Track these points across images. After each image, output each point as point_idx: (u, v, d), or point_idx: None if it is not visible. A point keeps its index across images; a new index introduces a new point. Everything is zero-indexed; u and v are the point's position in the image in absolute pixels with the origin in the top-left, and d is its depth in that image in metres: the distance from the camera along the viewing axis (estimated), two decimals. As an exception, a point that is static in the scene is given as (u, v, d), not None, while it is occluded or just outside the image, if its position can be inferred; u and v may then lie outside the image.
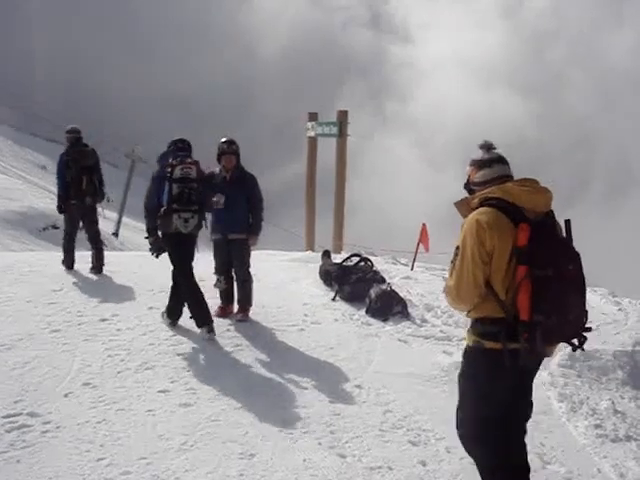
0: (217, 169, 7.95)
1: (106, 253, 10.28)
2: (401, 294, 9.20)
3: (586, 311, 3.89)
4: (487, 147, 4.11)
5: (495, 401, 3.98)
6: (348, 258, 10.62)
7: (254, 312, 8.20)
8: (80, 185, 9.81)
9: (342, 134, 14.91)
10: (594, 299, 11.06)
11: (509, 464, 4.07)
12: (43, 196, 35.13)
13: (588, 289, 11.58)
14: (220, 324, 7.76)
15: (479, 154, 4.11)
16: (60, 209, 10.11)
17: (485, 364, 3.91)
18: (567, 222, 3.94)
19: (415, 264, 12.27)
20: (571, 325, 3.81)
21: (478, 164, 4.06)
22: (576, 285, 3.79)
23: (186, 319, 7.69)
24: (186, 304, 7.56)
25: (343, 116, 15.13)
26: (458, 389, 4.21)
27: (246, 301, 8.12)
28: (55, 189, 10.25)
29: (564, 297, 3.70)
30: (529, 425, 5.82)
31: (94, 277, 9.59)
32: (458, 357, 7.28)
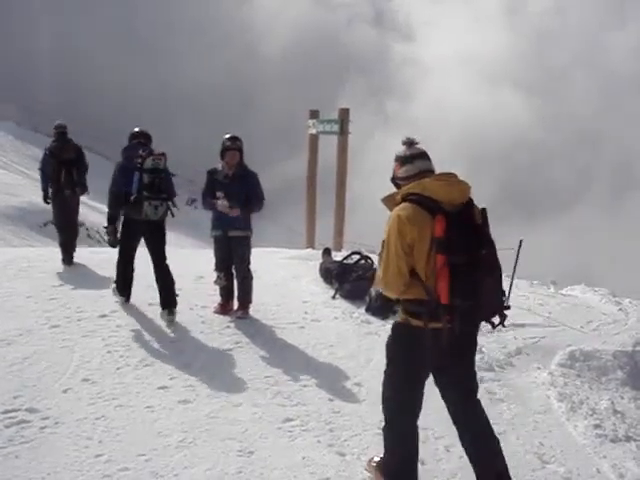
0: (220, 165, 7.93)
1: (104, 249, 10.29)
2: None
3: (503, 291, 4.27)
4: (409, 143, 4.39)
5: (413, 371, 4.40)
6: (349, 256, 10.61)
7: (254, 309, 8.19)
8: (59, 178, 10.32)
9: (343, 132, 14.89)
10: (594, 299, 11.05)
11: (412, 423, 4.50)
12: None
13: (588, 289, 11.54)
14: (220, 321, 7.77)
15: (402, 150, 4.38)
16: (45, 200, 10.72)
17: (410, 339, 4.30)
18: (483, 210, 4.27)
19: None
20: (487, 306, 4.19)
21: (401, 160, 4.36)
22: (490, 269, 4.15)
23: (188, 318, 7.70)
24: (157, 285, 7.94)
25: (344, 114, 15.11)
26: (385, 356, 4.55)
27: (246, 298, 8.11)
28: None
29: (479, 281, 4.06)
30: (528, 425, 5.82)
31: (94, 273, 9.59)
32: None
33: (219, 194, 7.73)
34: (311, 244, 15.86)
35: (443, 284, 3.97)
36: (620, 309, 9.95)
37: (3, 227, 19.68)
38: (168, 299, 7.83)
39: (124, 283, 8.17)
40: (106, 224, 8.04)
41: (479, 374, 6.97)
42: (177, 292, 7.91)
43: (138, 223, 7.78)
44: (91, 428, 5.17)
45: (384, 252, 4.19)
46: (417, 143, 4.40)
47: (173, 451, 4.94)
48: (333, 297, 9.28)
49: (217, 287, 8.14)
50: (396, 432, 4.46)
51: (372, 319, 8.56)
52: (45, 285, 8.79)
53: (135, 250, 8.08)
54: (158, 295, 7.88)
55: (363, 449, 5.22)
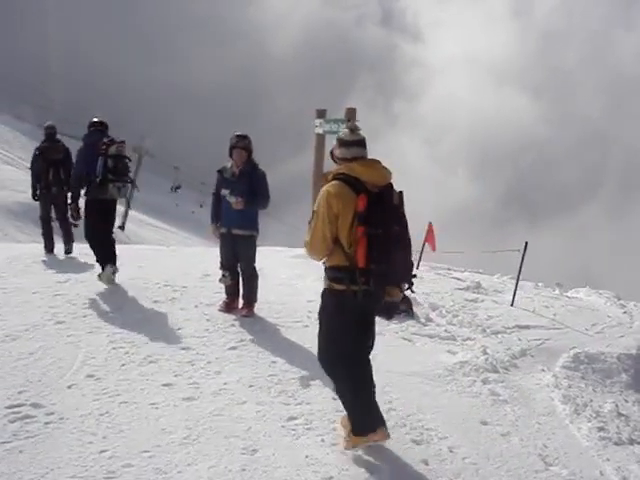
0: (229, 163, 7.93)
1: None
2: (406, 293, 9.17)
3: (411, 262, 5.06)
4: (351, 130, 5.04)
5: (342, 332, 4.98)
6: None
7: (259, 308, 8.20)
8: (47, 176, 11.09)
9: (350, 132, 14.90)
10: (599, 302, 11.05)
11: (357, 378, 5.06)
12: (50, 188, 35.07)
13: (593, 291, 11.56)
14: (225, 319, 7.77)
15: (345, 134, 5.02)
16: (33, 197, 11.46)
17: (335, 302, 4.94)
18: (400, 193, 4.95)
19: (421, 263, 12.26)
20: (397, 272, 4.87)
21: (340, 143, 5.02)
22: (401, 242, 4.84)
23: (193, 315, 7.71)
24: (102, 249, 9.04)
25: (351, 114, 15.11)
26: (319, 322, 5.17)
27: (251, 297, 8.12)
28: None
29: (391, 250, 4.74)
30: (532, 426, 5.85)
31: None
32: (462, 357, 7.32)
33: (224, 191, 7.74)
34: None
35: (361, 251, 4.68)
36: (625, 312, 9.95)
37: (8, 222, 19.76)
38: (110, 257, 8.92)
39: (103, 257, 8.94)
40: (70, 202, 9.27)
41: (484, 375, 7.01)
42: (180, 288, 7.90)
43: (101, 202, 8.86)
44: (95, 424, 5.18)
45: (313, 221, 4.87)
46: (359, 130, 5.03)
47: (177, 448, 4.94)
48: (338, 296, 9.26)
49: (222, 285, 8.14)
50: (348, 381, 5.03)
51: (377, 319, 8.55)
52: (51, 281, 8.81)
53: (98, 225, 8.99)
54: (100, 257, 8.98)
55: (366, 448, 5.22)
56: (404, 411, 5.97)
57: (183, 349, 6.80)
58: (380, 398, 6.16)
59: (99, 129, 9.25)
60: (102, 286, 8.66)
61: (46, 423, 5.12)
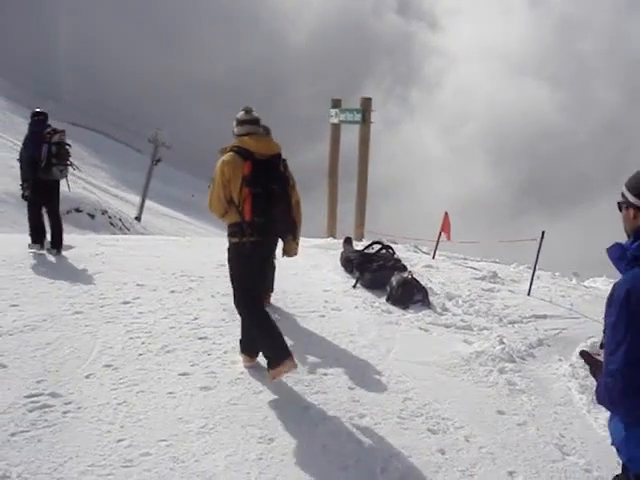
0: None
1: (128, 236, 10.39)
2: (422, 282, 9.18)
3: (292, 218, 6.03)
4: (246, 111, 6.01)
5: (242, 277, 5.98)
6: (370, 245, 10.61)
7: (275, 298, 8.21)
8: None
9: (365, 121, 14.86)
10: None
11: (258, 315, 5.98)
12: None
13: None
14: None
15: (241, 115, 5.99)
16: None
17: (234, 253, 5.94)
18: (284, 160, 6.00)
19: (437, 252, 12.23)
20: (277, 224, 5.86)
21: (237, 122, 5.99)
22: (278, 199, 5.81)
23: (209, 305, 7.73)
24: (50, 230, 10.33)
25: (367, 103, 15.09)
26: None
27: (267, 287, 8.12)
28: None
29: (270, 206, 5.75)
30: (549, 416, 5.84)
31: (116, 260, 9.66)
32: (479, 346, 7.30)
33: None
34: (332, 233, 15.86)
35: (247, 207, 5.67)
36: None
37: (18, 211, 19.87)
38: (57, 240, 10.16)
39: (37, 232, 10.20)
40: (21, 183, 10.28)
41: (500, 364, 6.99)
42: (197, 278, 7.95)
43: (45, 182, 10.18)
44: (113, 413, 5.21)
45: (212, 184, 5.81)
46: (253, 111, 6.02)
47: (194, 437, 4.97)
48: (354, 286, 9.28)
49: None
50: (255, 318, 5.98)
51: (393, 308, 8.56)
52: (68, 271, 8.87)
53: (42, 204, 10.37)
54: (50, 238, 10.20)
55: (383, 437, 5.23)
56: (420, 400, 5.97)
57: (200, 339, 6.82)
58: (396, 387, 6.19)
59: (41, 119, 10.41)
60: (119, 277, 8.70)
61: (64, 412, 5.16)
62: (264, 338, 5.88)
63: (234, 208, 5.74)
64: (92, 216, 30.45)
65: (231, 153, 5.78)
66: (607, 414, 6.12)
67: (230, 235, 5.90)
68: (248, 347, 6.23)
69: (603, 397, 3.06)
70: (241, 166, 5.67)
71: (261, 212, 5.70)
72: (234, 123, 6.01)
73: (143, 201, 42.61)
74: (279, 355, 5.72)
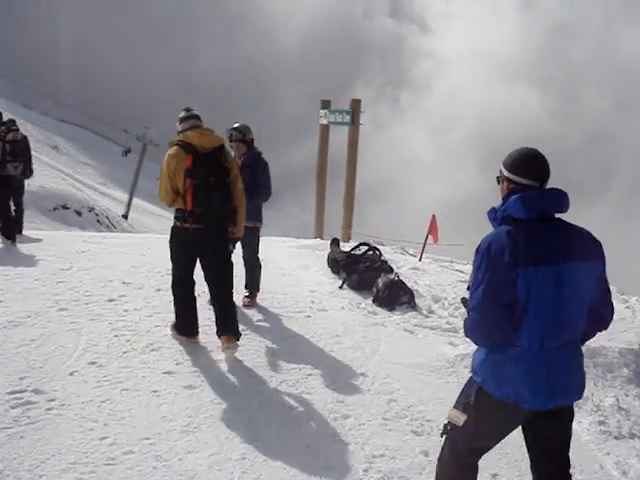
0: (233, 153, 7.90)
1: (115, 234, 10.37)
2: (408, 284, 9.19)
3: (232, 206, 6.43)
4: (186, 110, 6.50)
5: (176, 257, 6.52)
6: (356, 247, 10.62)
7: (261, 298, 8.21)
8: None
9: (354, 123, 14.87)
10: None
11: (180, 295, 6.66)
12: (54, 176, 35.17)
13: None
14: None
15: (183, 113, 6.47)
16: None
17: (174, 235, 6.46)
18: (226, 153, 6.42)
19: (423, 255, 12.25)
20: (214, 212, 6.24)
21: (179, 120, 6.45)
22: (215, 189, 6.18)
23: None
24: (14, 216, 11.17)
25: (356, 105, 15.08)
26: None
27: (253, 286, 8.12)
28: None
29: (209, 196, 6.14)
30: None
31: (103, 258, 9.62)
32: (464, 349, 7.31)
33: None
34: (320, 234, 15.85)
35: (189, 198, 6.13)
36: (627, 307, 9.92)
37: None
38: (18, 228, 10.97)
39: (8, 226, 10.65)
40: None
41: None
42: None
43: (1, 178, 10.81)
44: (97, 411, 5.19)
45: (160, 177, 6.25)
46: (193, 110, 6.50)
47: (177, 436, 4.96)
48: (340, 287, 9.29)
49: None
50: (178, 297, 6.63)
51: (379, 310, 8.57)
52: (54, 268, 8.82)
53: (7, 199, 11.11)
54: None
55: (367, 439, 5.23)
56: (405, 402, 5.97)
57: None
58: (381, 389, 6.20)
59: None
60: (105, 274, 8.67)
61: (47, 409, 5.13)
62: (180, 315, 6.68)
63: (180, 198, 6.22)
64: (79, 213, 30.29)
65: (176, 147, 6.23)
66: (591, 418, 6.16)
67: (175, 219, 6.40)
68: (181, 328, 6.75)
69: (467, 328, 3.66)
70: (184, 159, 6.13)
71: (201, 202, 6.15)
72: (177, 123, 6.49)
73: (131, 199, 42.46)
74: (189, 330, 6.70)
